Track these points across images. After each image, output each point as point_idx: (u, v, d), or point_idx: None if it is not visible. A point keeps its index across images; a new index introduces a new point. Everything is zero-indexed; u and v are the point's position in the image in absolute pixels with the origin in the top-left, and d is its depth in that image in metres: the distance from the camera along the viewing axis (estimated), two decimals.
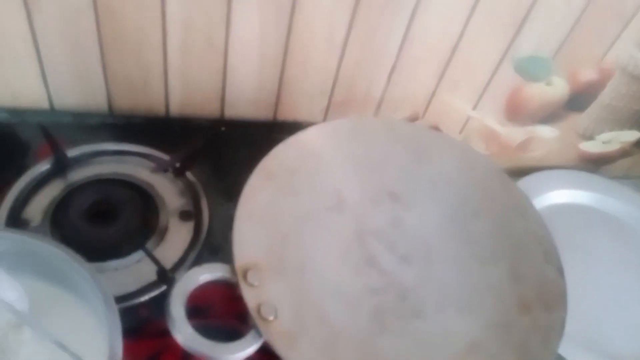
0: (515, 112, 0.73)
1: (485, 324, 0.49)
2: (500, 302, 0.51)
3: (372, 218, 0.55)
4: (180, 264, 0.54)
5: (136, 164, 0.61)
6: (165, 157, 0.62)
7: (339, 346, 0.45)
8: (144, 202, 0.57)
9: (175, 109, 0.67)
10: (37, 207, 0.55)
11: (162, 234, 0.56)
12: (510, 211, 0.56)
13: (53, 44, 0.59)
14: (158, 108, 0.67)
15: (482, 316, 0.50)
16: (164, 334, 0.43)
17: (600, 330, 0.63)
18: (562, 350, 0.51)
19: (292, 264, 0.49)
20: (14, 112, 0.63)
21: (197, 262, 0.54)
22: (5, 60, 0.59)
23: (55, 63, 0.60)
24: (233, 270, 0.46)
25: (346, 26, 0.62)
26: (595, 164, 0.83)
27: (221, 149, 0.65)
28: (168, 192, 0.60)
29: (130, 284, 0.51)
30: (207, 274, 0.46)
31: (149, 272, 0.52)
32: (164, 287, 0.51)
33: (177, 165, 0.61)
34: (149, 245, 0.54)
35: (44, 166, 0.58)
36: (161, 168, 0.61)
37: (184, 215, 0.58)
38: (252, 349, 0.43)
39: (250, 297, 0.45)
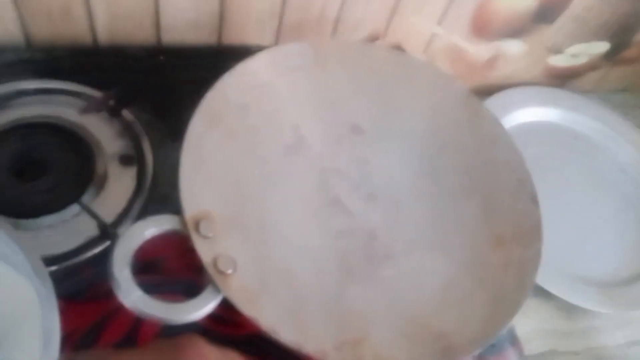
0: (482, 26, 0.68)
1: (458, 262, 0.47)
2: (473, 238, 0.48)
3: (335, 156, 0.51)
4: (124, 216, 0.49)
5: (63, 104, 0.54)
6: (97, 94, 0.55)
7: (306, 297, 0.43)
8: (76, 147, 0.51)
9: (104, 37, 0.59)
10: None
11: (101, 182, 0.50)
12: (481, 139, 0.53)
13: None
14: (83, 37, 0.59)
15: (454, 254, 0.47)
16: (112, 294, 0.39)
17: (572, 253, 0.63)
18: (537, 277, 0.49)
19: (250, 212, 0.45)
20: None
21: (144, 213, 0.49)
22: None
23: None
24: (183, 221, 0.41)
25: None
26: (562, 79, 0.80)
27: (161, 82, 0.59)
28: (103, 134, 0.53)
29: (68, 242, 0.46)
30: (153, 227, 0.41)
31: (90, 227, 0.47)
32: (107, 243, 0.46)
33: (112, 103, 0.54)
34: (87, 196, 0.49)
35: None
36: (93, 107, 0.54)
37: (125, 160, 0.52)
38: (209, 307, 0.39)
39: (205, 250, 0.41)
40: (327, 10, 0.62)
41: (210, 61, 0.59)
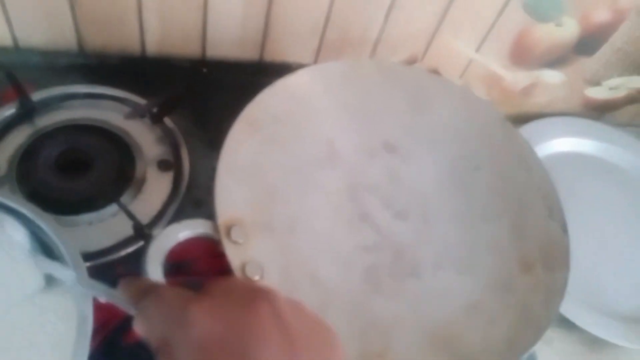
0: (521, 55, 0.68)
1: (484, 283, 0.47)
2: (501, 260, 0.48)
3: (367, 171, 0.51)
4: (158, 219, 0.51)
5: (109, 109, 0.57)
6: (141, 101, 0.57)
7: (330, 308, 0.43)
8: (119, 150, 0.53)
9: (152, 48, 0.62)
10: (2, 156, 0.51)
11: (139, 185, 0.52)
12: (513, 164, 0.53)
13: None
14: (133, 47, 0.61)
15: (481, 275, 0.47)
16: None
17: (598, 285, 0.61)
18: (563, 308, 0.49)
19: (280, 220, 0.46)
20: None
21: (177, 216, 0.51)
22: None
23: None
24: (215, 226, 0.42)
25: None
26: (599, 111, 0.79)
27: (202, 93, 0.61)
28: (145, 139, 0.55)
29: (105, 239, 0.48)
30: (186, 230, 0.42)
31: (125, 227, 0.49)
32: (141, 243, 0.48)
33: (155, 110, 0.56)
34: (125, 198, 0.51)
35: (8, 111, 0.53)
36: (137, 113, 0.56)
37: (163, 165, 0.54)
38: None
39: (234, 255, 0.42)
40: (368, 31, 0.63)
41: (251, 76, 0.61)
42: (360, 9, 0.61)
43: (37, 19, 0.57)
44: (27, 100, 0.53)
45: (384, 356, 0.41)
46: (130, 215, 0.48)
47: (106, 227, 0.49)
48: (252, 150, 0.47)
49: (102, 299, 0.36)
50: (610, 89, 0.76)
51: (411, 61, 0.67)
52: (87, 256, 0.46)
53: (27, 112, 0.54)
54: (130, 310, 0.33)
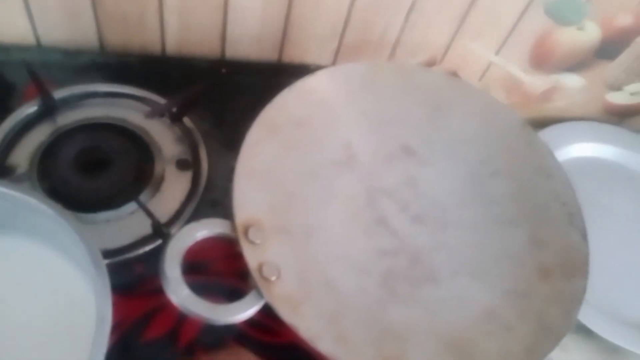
0: (542, 59, 0.67)
1: (502, 291, 0.46)
2: (519, 268, 0.47)
3: (384, 175, 0.51)
4: (176, 218, 0.51)
5: (129, 108, 0.57)
6: (161, 100, 0.58)
7: (346, 312, 0.43)
8: (138, 148, 0.53)
9: (172, 47, 0.62)
10: (23, 153, 0.51)
11: (158, 184, 0.52)
12: (534, 170, 0.52)
13: None
14: (153, 47, 0.62)
15: (499, 283, 0.47)
16: (160, 291, 0.40)
17: (616, 293, 0.61)
18: (581, 315, 0.48)
19: (297, 223, 0.46)
20: None
21: (195, 215, 0.51)
22: None
23: None
24: (233, 226, 0.43)
25: None
26: (620, 116, 0.78)
27: (222, 93, 0.61)
28: (164, 138, 0.55)
29: (123, 237, 0.48)
30: (204, 229, 0.43)
31: (143, 225, 0.49)
32: (159, 241, 0.48)
33: (174, 110, 0.56)
34: (144, 196, 0.51)
35: (30, 108, 0.54)
36: (156, 112, 0.56)
37: (181, 165, 0.54)
38: (251, 311, 0.40)
39: (252, 255, 0.42)
40: (387, 33, 0.63)
41: (270, 77, 0.61)
42: (380, 12, 0.61)
43: (59, 18, 0.58)
44: (48, 97, 0.54)
45: None
46: (149, 214, 0.48)
47: (124, 225, 0.49)
48: (270, 153, 0.47)
49: None
50: (632, 94, 0.75)
51: (430, 64, 0.67)
52: (105, 254, 0.46)
53: (48, 110, 0.54)
54: None
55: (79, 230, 0.39)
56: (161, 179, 0.53)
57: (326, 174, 0.49)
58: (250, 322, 0.42)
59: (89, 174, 0.50)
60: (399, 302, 0.44)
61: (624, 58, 0.69)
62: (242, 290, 0.41)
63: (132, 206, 0.50)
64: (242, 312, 0.40)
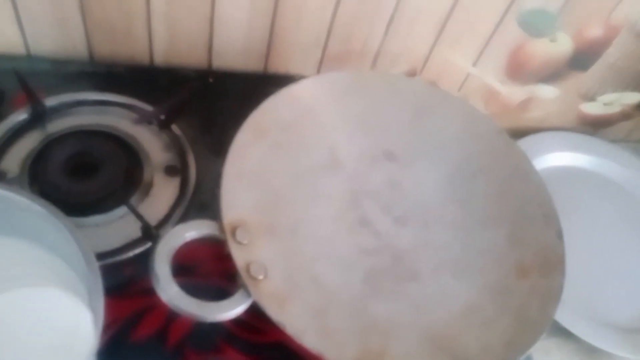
0: (517, 69, 0.70)
1: (482, 287, 0.48)
2: (498, 266, 0.49)
3: (368, 178, 0.53)
4: (165, 221, 0.52)
5: (118, 116, 0.58)
6: (149, 108, 0.59)
7: (331, 308, 0.44)
8: (127, 155, 0.54)
9: (160, 58, 0.64)
10: (14, 159, 0.52)
11: (147, 189, 0.54)
12: (511, 173, 0.54)
13: None
14: (142, 57, 0.63)
15: (479, 280, 0.48)
16: (149, 292, 0.41)
17: (595, 296, 0.63)
18: (558, 316, 0.50)
19: (284, 224, 0.47)
20: None
21: (184, 219, 0.52)
22: None
23: (31, 5, 0.56)
24: (221, 227, 0.44)
25: None
26: (594, 126, 0.81)
27: (209, 102, 0.62)
28: (152, 145, 0.57)
29: (113, 241, 0.49)
30: (193, 231, 0.44)
31: (133, 229, 0.50)
32: (148, 244, 0.49)
33: (162, 117, 0.58)
34: (133, 200, 0.52)
35: (20, 116, 0.55)
36: (145, 120, 0.58)
37: (170, 171, 0.55)
38: (240, 308, 0.41)
39: (239, 255, 0.43)
40: (368, 43, 0.65)
41: (256, 86, 0.62)
42: (362, 22, 0.63)
43: (49, 28, 0.59)
44: (39, 105, 0.55)
45: (383, 355, 0.42)
46: (139, 216, 0.49)
47: (114, 229, 0.50)
48: (256, 156, 0.48)
49: None
50: (605, 104, 0.77)
51: (411, 74, 0.69)
52: (96, 257, 0.46)
53: (39, 117, 0.55)
54: None
55: (70, 228, 0.39)
56: (150, 185, 0.54)
57: (311, 176, 0.51)
58: (238, 322, 0.43)
59: (79, 179, 0.51)
60: (382, 298, 0.46)
61: (596, 69, 0.72)
62: (230, 291, 0.42)
63: (121, 210, 0.51)
64: (230, 309, 0.41)
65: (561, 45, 0.68)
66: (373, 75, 0.62)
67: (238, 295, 0.41)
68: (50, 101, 0.56)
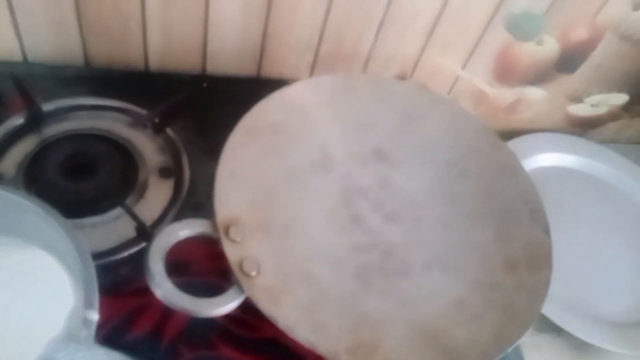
0: (505, 72, 0.71)
1: (471, 283, 0.49)
2: (487, 261, 0.50)
3: (359, 177, 0.54)
4: (160, 221, 0.53)
5: (114, 120, 0.59)
6: (143, 112, 0.60)
7: (323, 303, 0.45)
8: (123, 158, 0.55)
9: (155, 63, 0.65)
10: (11, 162, 0.53)
11: (142, 191, 0.54)
12: (499, 171, 0.55)
13: None
14: (137, 62, 0.64)
15: (468, 275, 0.49)
16: (144, 291, 0.42)
17: (585, 292, 0.64)
18: (546, 310, 0.51)
19: (276, 221, 0.48)
20: None
21: (178, 220, 0.52)
22: None
23: (28, 11, 0.58)
24: (214, 225, 0.44)
25: None
26: (582, 127, 0.82)
27: (203, 106, 0.63)
28: (147, 148, 0.58)
29: (108, 241, 0.50)
30: (187, 229, 0.44)
31: (128, 229, 0.51)
32: (143, 244, 0.50)
33: (156, 120, 0.59)
34: (128, 202, 0.53)
35: (17, 120, 0.56)
36: (139, 123, 0.59)
37: (164, 172, 0.56)
38: (233, 304, 0.42)
39: (232, 252, 0.44)
40: (358, 47, 0.67)
41: (249, 90, 0.63)
42: (353, 27, 0.65)
43: (45, 34, 0.60)
44: (36, 109, 0.56)
45: (375, 348, 0.43)
46: (134, 216, 0.50)
47: (109, 229, 0.51)
48: (250, 156, 0.49)
49: None
50: (592, 105, 0.79)
51: (401, 77, 0.70)
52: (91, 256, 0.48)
53: (35, 122, 0.56)
54: None
55: (66, 228, 0.40)
56: (145, 187, 0.55)
57: (303, 175, 0.52)
58: (233, 319, 0.44)
59: (75, 181, 0.52)
60: (374, 293, 0.47)
61: (583, 71, 0.73)
62: (224, 289, 0.43)
63: (117, 212, 0.52)
64: (224, 305, 0.42)
65: (547, 47, 0.69)
66: (364, 79, 0.63)
67: (231, 291, 0.42)
68: (47, 106, 0.57)
